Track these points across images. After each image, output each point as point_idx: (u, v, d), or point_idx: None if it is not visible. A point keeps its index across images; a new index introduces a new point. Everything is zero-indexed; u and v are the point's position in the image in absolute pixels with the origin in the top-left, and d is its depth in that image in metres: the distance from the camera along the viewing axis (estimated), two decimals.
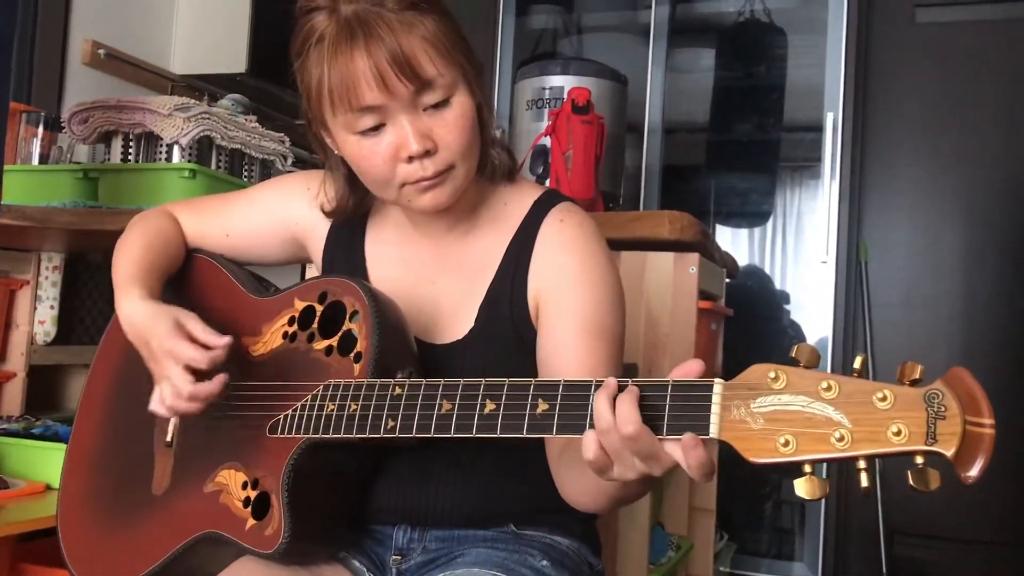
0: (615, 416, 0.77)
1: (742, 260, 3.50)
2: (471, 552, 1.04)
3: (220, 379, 0.99)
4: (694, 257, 1.75)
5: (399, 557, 1.07)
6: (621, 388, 0.79)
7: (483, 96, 1.04)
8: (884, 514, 3.02)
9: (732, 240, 3.70)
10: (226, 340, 1.00)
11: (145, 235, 1.16)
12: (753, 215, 3.66)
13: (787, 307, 3.53)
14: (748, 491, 3.33)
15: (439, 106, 0.98)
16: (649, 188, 3.47)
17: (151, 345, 1.02)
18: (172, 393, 0.98)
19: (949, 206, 3.18)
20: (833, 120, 3.18)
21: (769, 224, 3.66)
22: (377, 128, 0.98)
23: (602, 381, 0.80)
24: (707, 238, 1.80)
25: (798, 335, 3.46)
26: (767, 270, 3.66)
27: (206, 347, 1.00)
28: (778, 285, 3.62)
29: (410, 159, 0.97)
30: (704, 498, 2.03)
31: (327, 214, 1.15)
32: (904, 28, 3.26)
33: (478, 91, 1.02)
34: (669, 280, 1.76)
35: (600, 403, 0.79)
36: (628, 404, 0.77)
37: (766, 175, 3.63)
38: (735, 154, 3.66)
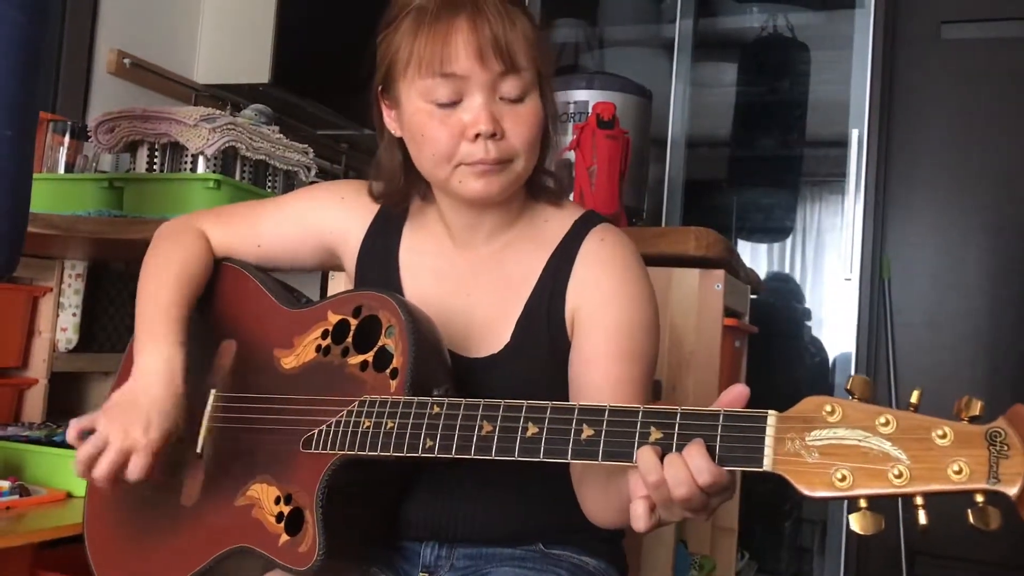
0: (670, 472, 0.77)
1: (763, 276, 3.48)
2: (498, 570, 1.04)
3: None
4: (719, 274, 1.74)
5: (427, 574, 1.07)
6: (665, 448, 0.78)
7: (554, 108, 1.06)
8: (906, 534, 2.98)
9: (752, 256, 3.68)
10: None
11: (174, 263, 1.13)
12: (775, 231, 3.64)
13: (808, 324, 3.51)
14: (769, 510, 3.30)
15: (514, 101, 1.01)
16: (671, 203, 3.46)
17: (148, 412, 1.00)
18: (111, 460, 0.97)
19: (974, 223, 3.15)
20: (858, 136, 3.16)
21: (789, 240, 3.64)
22: (452, 105, 1.00)
23: (651, 408, 0.79)
24: (732, 255, 1.79)
25: (820, 352, 3.43)
26: (788, 286, 3.64)
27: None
28: (799, 302, 3.60)
29: (476, 137, 0.99)
30: (726, 517, 2.02)
31: (375, 198, 1.15)
32: (930, 45, 3.24)
33: (551, 101, 1.05)
34: (694, 297, 1.75)
35: (647, 457, 0.78)
36: (699, 456, 0.76)
37: (788, 191, 3.62)
38: (757, 169, 3.65)
